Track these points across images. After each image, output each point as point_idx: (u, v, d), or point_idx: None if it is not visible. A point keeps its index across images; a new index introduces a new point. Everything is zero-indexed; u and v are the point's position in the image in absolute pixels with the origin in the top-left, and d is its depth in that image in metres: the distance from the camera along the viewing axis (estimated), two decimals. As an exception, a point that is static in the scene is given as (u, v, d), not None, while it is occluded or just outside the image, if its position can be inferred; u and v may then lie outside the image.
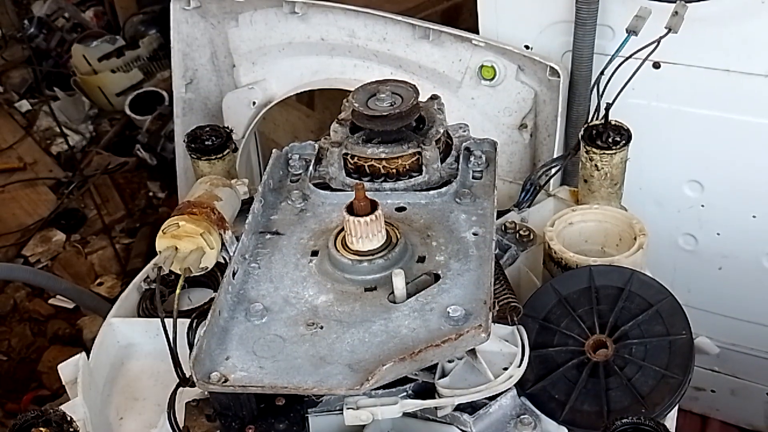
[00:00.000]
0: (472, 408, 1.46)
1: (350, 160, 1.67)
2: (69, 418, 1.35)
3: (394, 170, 1.66)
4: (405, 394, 1.45)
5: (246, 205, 1.75)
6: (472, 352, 1.44)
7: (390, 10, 2.49)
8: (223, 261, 1.65)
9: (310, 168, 1.75)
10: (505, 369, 1.45)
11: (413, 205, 1.64)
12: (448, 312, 1.37)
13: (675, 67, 2.21)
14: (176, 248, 1.57)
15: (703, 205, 2.44)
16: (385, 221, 1.48)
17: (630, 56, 2.02)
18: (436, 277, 1.46)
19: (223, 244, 1.63)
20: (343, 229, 1.49)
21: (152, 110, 4.42)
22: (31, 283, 3.65)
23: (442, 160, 1.69)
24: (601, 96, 2.05)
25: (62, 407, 1.45)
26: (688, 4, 2.01)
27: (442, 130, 1.70)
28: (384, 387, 1.37)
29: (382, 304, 1.42)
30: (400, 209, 1.63)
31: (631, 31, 2.05)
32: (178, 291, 1.48)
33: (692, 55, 2.18)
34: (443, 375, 1.45)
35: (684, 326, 1.56)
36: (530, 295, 1.66)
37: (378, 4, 2.54)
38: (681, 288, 2.03)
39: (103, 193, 4.29)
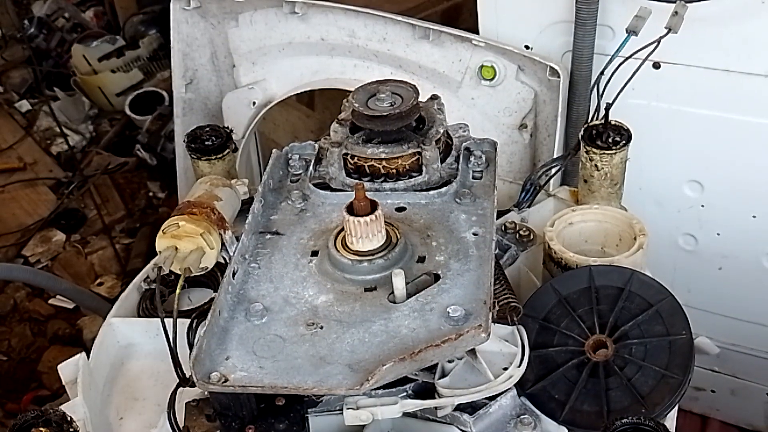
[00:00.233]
0: (472, 408, 1.46)
1: (350, 160, 1.67)
2: (69, 418, 1.35)
3: (394, 170, 1.66)
4: (405, 394, 1.45)
5: (246, 205, 1.75)
6: (472, 352, 1.44)
7: (390, 10, 2.49)
8: (223, 261, 1.65)
9: (310, 168, 1.75)
10: (505, 369, 1.45)
11: (413, 205, 1.64)
12: (448, 312, 1.37)
13: (675, 67, 2.21)
14: (176, 248, 1.57)
15: (703, 205, 2.44)
16: (385, 221, 1.48)
17: (630, 56, 2.02)
18: (436, 277, 1.46)
19: (223, 244, 1.63)
20: (343, 229, 1.49)
21: (152, 110, 4.42)
22: (31, 283, 3.65)
23: (442, 160, 1.69)
24: (601, 96, 2.05)
25: (62, 407, 1.45)
26: (688, 4, 2.01)
27: (442, 130, 1.70)
28: (384, 387, 1.37)
29: (382, 304, 1.42)
30: (400, 209, 1.63)
31: (631, 31, 2.05)
32: (178, 291, 1.48)
33: (692, 55, 2.18)
34: (443, 375, 1.45)
35: (684, 326, 1.56)
36: (530, 295, 1.66)
37: (378, 4, 2.54)
38: (681, 288, 2.03)
39: (103, 193, 4.29)
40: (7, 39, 5.38)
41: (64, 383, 1.67)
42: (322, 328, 1.40)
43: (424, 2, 3.14)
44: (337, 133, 1.71)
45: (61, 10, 5.24)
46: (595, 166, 1.85)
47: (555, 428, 1.51)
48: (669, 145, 2.36)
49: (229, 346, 1.38)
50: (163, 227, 1.59)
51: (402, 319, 1.39)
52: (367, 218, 1.43)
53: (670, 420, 1.53)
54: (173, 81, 2.84)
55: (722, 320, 2.60)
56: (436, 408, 1.44)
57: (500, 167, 1.93)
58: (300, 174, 1.75)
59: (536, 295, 1.65)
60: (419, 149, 1.64)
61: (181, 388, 1.47)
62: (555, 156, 2.24)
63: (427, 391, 1.45)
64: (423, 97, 1.71)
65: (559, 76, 2.22)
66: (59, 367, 1.69)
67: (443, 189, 1.65)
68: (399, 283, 1.41)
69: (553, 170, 2.01)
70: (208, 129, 2.01)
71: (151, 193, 4.33)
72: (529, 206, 1.98)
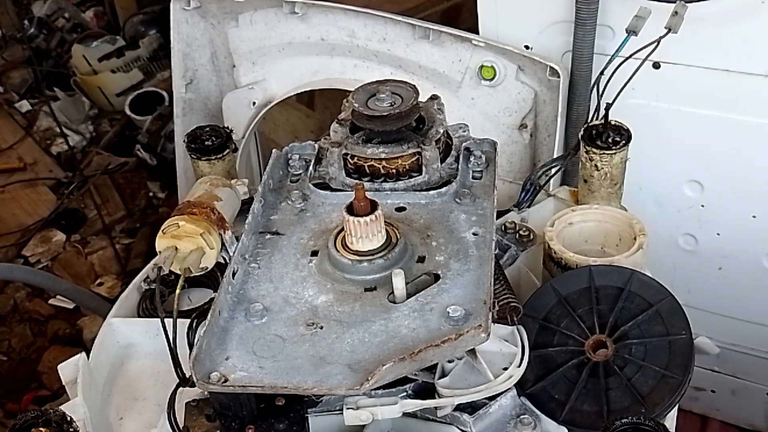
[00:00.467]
0: (472, 408, 1.46)
1: (350, 160, 1.67)
2: (69, 418, 1.35)
3: (394, 170, 1.66)
4: (405, 394, 1.45)
5: (246, 205, 1.75)
6: (472, 352, 1.44)
7: (390, 10, 2.49)
8: (223, 261, 1.65)
9: (310, 168, 1.75)
10: (505, 369, 1.45)
11: (413, 205, 1.64)
12: (448, 312, 1.37)
13: (675, 67, 2.21)
14: (176, 248, 1.57)
15: (703, 205, 2.44)
16: (385, 221, 1.48)
17: (630, 56, 2.02)
18: (436, 277, 1.46)
19: (223, 244, 1.63)
20: (343, 229, 1.49)
21: (152, 110, 4.42)
22: (31, 283, 3.65)
23: (442, 160, 1.69)
24: (601, 96, 2.05)
25: (62, 407, 1.45)
26: (688, 4, 2.01)
27: (442, 130, 1.70)
28: (384, 387, 1.37)
29: (382, 304, 1.42)
30: (400, 209, 1.63)
31: (631, 31, 2.05)
32: (178, 291, 1.48)
33: (692, 55, 2.18)
34: (443, 375, 1.45)
35: (684, 326, 1.55)
36: (530, 295, 1.66)
37: (378, 4, 2.54)
38: (681, 288, 2.03)
39: (103, 194, 4.29)
40: (7, 39, 5.38)
41: (64, 383, 1.67)
42: (322, 328, 1.40)
43: (424, 2, 3.14)
44: (337, 133, 1.71)
45: (61, 10, 5.24)
46: (595, 166, 1.85)
47: (555, 428, 1.51)
48: (669, 145, 2.36)
49: (229, 346, 1.38)
50: (163, 227, 1.59)
51: (402, 319, 1.39)
52: (367, 218, 1.43)
53: (670, 420, 1.53)
54: (173, 81, 2.84)
55: (722, 320, 2.60)
56: (436, 408, 1.44)
57: (500, 167, 1.93)
58: (300, 174, 1.75)
59: (536, 295, 1.65)
60: (419, 149, 1.64)
61: (181, 388, 1.47)
62: (555, 156, 2.24)
63: (427, 391, 1.45)
64: (423, 97, 1.71)
65: (559, 76, 2.22)
66: (59, 367, 1.69)
67: (443, 189, 1.65)
68: (399, 283, 1.41)
69: (553, 170, 2.01)
70: (208, 129, 2.01)
71: (151, 193, 4.33)
72: (529, 206, 1.98)
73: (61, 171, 4.47)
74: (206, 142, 1.98)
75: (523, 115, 2.36)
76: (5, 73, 5.15)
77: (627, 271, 1.63)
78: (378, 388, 1.36)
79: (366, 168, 1.67)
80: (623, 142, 1.82)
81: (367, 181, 1.67)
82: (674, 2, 2.02)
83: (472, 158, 1.73)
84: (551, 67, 2.23)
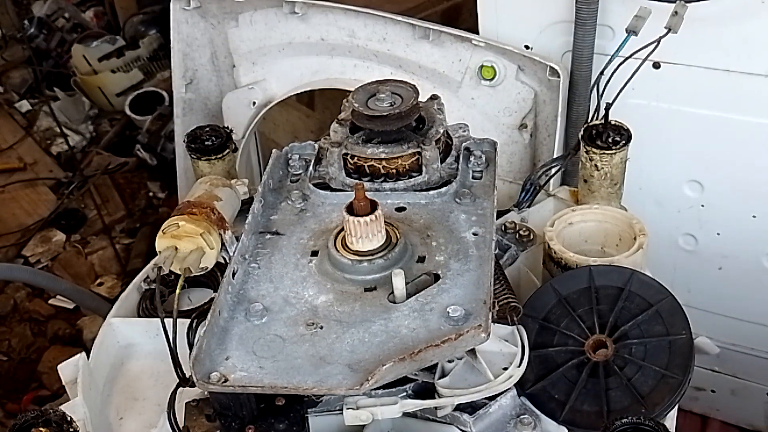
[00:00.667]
0: (472, 408, 1.46)
1: (350, 160, 1.67)
2: (69, 418, 1.35)
3: (394, 170, 1.66)
4: (405, 394, 1.45)
5: (246, 205, 1.75)
6: (472, 352, 1.44)
7: (390, 10, 2.49)
8: (223, 261, 1.65)
9: (310, 168, 1.75)
10: (505, 369, 1.45)
11: (413, 205, 1.64)
12: (448, 312, 1.37)
13: (675, 67, 2.21)
14: (176, 248, 1.57)
15: (703, 205, 2.44)
16: (385, 221, 1.48)
17: (630, 56, 2.02)
18: (436, 277, 1.46)
19: (223, 244, 1.63)
20: (343, 229, 1.49)
21: (152, 110, 4.42)
22: (31, 283, 3.65)
23: (442, 160, 1.69)
24: (601, 96, 2.05)
25: (62, 407, 1.45)
26: (688, 4, 2.01)
27: (442, 130, 1.70)
28: (384, 387, 1.37)
29: (382, 304, 1.42)
30: (400, 209, 1.63)
31: (631, 31, 2.05)
32: (178, 291, 1.48)
33: (692, 55, 2.18)
34: (443, 375, 1.45)
35: (684, 326, 1.55)
36: (530, 295, 1.66)
37: (378, 4, 2.54)
38: (681, 288, 2.03)
39: (103, 193, 4.29)
40: (7, 39, 5.38)
41: (64, 383, 1.67)
42: (322, 328, 1.40)
43: (424, 2, 3.14)
44: (337, 133, 1.71)
45: (61, 10, 5.24)
46: (595, 166, 1.85)
47: (555, 428, 1.51)
48: (669, 145, 2.36)
49: (229, 346, 1.38)
50: (163, 227, 1.59)
51: (402, 319, 1.39)
52: (367, 218, 1.43)
53: (670, 420, 1.53)
54: (173, 81, 2.84)
55: (722, 320, 2.60)
56: (436, 408, 1.44)
57: (500, 167, 1.93)
58: (300, 174, 1.75)
59: (536, 295, 1.65)
60: (419, 149, 1.64)
61: (181, 388, 1.47)
62: (555, 156, 2.24)
63: (427, 391, 1.45)
64: (423, 97, 1.71)
65: (559, 76, 2.22)
66: (59, 367, 1.69)
67: (443, 189, 1.65)
68: (399, 283, 1.41)
69: (553, 170, 2.01)
70: (208, 129, 2.01)
71: (151, 193, 4.33)
72: (529, 206, 1.98)
73: (61, 171, 4.47)
74: (206, 142, 1.98)
75: (523, 115, 2.36)
76: (5, 73, 5.15)
77: (627, 271, 1.63)
78: (378, 388, 1.36)
79: (366, 168, 1.67)
80: (623, 142, 1.82)
81: (367, 181, 1.67)
82: (674, 2, 2.02)
83: (472, 158, 1.73)
84: (551, 67, 2.23)
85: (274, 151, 1.79)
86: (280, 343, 1.38)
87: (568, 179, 2.26)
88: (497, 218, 1.67)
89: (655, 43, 1.98)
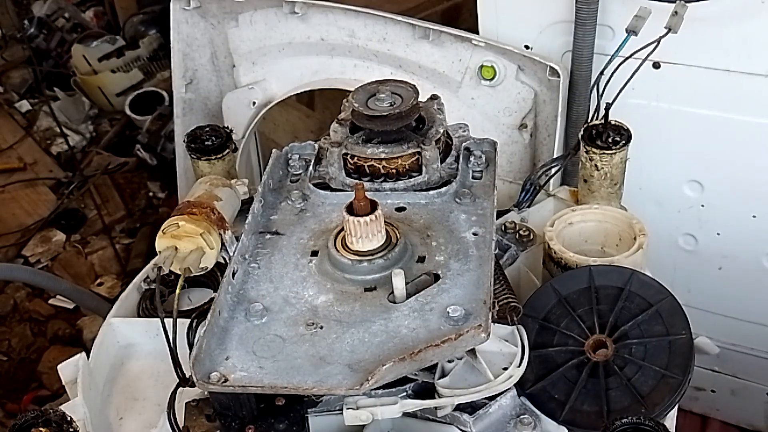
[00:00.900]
0: (472, 408, 1.46)
1: (350, 160, 1.67)
2: (69, 418, 1.35)
3: (394, 170, 1.66)
4: (405, 394, 1.44)
5: (246, 205, 1.75)
6: (472, 352, 1.44)
7: (390, 10, 2.49)
8: (223, 261, 1.65)
9: (310, 168, 1.75)
10: (505, 369, 1.45)
11: (413, 205, 1.64)
12: (448, 312, 1.37)
13: (675, 67, 2.21)
14: (176, 248, 1.57)
15: (703, 205, 2.44)
16: (385, 221, 1.48)
17: (630, 56, 2.02)
18: (436, 277, 1.46)
19: (223, 244, 1.63)
20: (343, 229, 1.49)
21: (152, 110, 4.42)
22: (31, 283, 3.65)
23: (442, 160, 1.69)
24: (601, 96, 2.05)
25: (62, 407, 1.45)
26: (688, 4, 2.01)
27: (442, 130, 1.70)
28: (384, 387, 1.37)
29: (382, 304, 1.42)
30: (400, 209, 1.63)
31: (631, 31, 2.05)
32: (178, 291, 1.48)
33: (692, 55, 2.18)
34: (443, 375, 1.45)
35: (684, 326, 1.55)
36: (530, 295, 1.66)
37: (378, 4, 2.54)
38: (681, 288, 2.03)
39: (103, 193, 4.29)
40: (7, 39, 5.38)
41: (64, 383, 1.67)
42: (322, 328, 1.40)
43: (424, 2, 3.14)
44: (337, 133, 1.71)
45: (61, 10, 5.24)
46: (595, 166, 1.85)
47: (555, 428, 1.51)
48: (669, 145, 2.36)
49: (229, 346, 1.38)
50: (163, 227, 1.59)
51: (402, 319, 1.39)
52: (367, 218, 1.43)
53: (670, 420, 1.53)
54: (173, 81, 2.84)
55: (722, 320, 2.60)
56: (436, 408, 1.44)
57: (500, 167, 1.93)
58: (300, 174, 1.75)
59: (536, 295, 1.65)
60: (419, 149, 1.64)
61: (181, 388, 1.47)
62: (555, 156, 2.24)
63: (427, 391, 1.45)
64: (423, 97, 1.71)
65: (559, 76, 2.22)
66: (59, 367, 1.69)
67: (443, 189, 1.65)
68: (399, 283, 1.41)
69: (553, 170, 2.01)
70: (208, 129, 2.01)
71: (151, 193, 4.33)
72: (529, 206, 1.98)
73: (61, 171, 4.47)
74: (206, 142, 1.98)
75: (523, 115, 2.36)
76: (5, 73, 5.15)
77: (627, 271, 1.63)
78: (378, 388, 1.36)
79: (366, 168, 1.67)
80: (623, 142, 1.82)
81: (367, 181, 1.67)
82: (674, 2, 2.02)
83: (472, 158, 1.73)
84: (551, 67, 2.23)
85: (274, 151, 1.79)
86: (280, 343, 1.38)
87: (568, 179, 2.26)
88: (497, 218, 1.67)
89: (655, 43, 1.98)
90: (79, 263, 3.93)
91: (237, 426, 1.40)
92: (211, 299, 1.46)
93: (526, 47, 2.34)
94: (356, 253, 1.47)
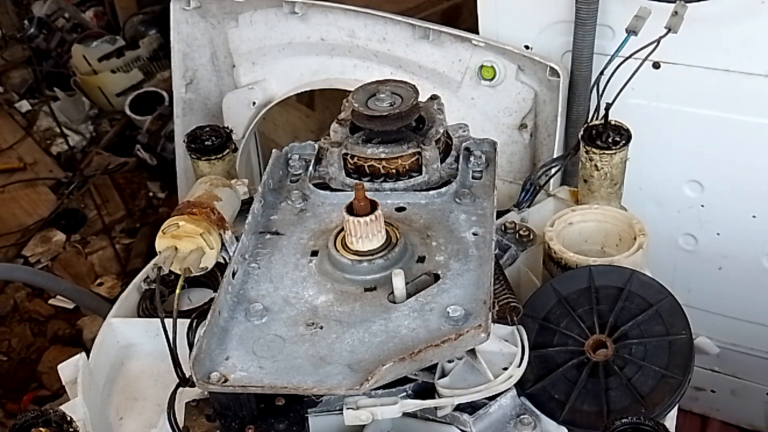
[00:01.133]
0: (472, 408, 1.46)
1: (350, 160, 1.67)
2: (69, 418, 1.35)
3: (394, 170, 1.66)
4: (405, 394, 1.45)
5: (246, 205, 1.75)
6: (472, 352, 1.44)
7: (390, 10, 2.49)
8: (223, 261, 1.65)
9: (310, 168, 1.75)
10: (505, 369, 1.45)
11: (413, 205, 1.64)
12: (448, 312, 1.37)
13: (675, 67, 2.21)
14: (176, 248, 1.57)
15: (703, 205, 2.44)
16: (385, 221, 1.48)
17: (630, 56, 2.02)
18: (436, 277, 1.46)
19: (223, 244, 1.63)
20: (342, 229, 1.49)
21: (152, 110, 4.42)
22: (31, 284, 3.65)
23: (442, 160, 1.69)
24: (601, 96, 2.05)
25: (62, 407, 1.45)
26: (688, 4, 2.01)
27: (442, 130, 1.70)
28: (384, 387, 1.37)
29: (382, 304, 1.42)
30: (400, 209, 1.63)
31: (631, 31, 2.05)
32: (178, 291, 1.48)
33: (692, 55, 2.18)
34: (443, 375, 1.45)
35: (684, 326, 1.55)
36: (530, 295, 1.66)
37: (378, 4, 2.54)
38: (681, 288, 2.03)
39: (103, 194, 4.29)
40: (7, 39, 5.39)
41: (64, 383, 1.67)
42: (322, 328, 1.40)
43: (424, 2, 3.14)
44: (337, 133, 1.71)
45: (61, 10, 5.24)
46: (595, 166, 1.85)
47: (555, 428, 1.51)
48: (669, 145, 2.36)
49: (229, 346, 1.38)
50: (163, 227, 1.59)
51: (402, 319, 1.39)
52: (367, 218, 1.43)
53: (670, 420, 1.53)
54: (173, 81, 2.84)
55: (722, 320, 2.60)
56: (436, 408, 1.44)
57: (500, 167, 1.93)
58: (300, 174, 1.75)
59: (536, 295, 1.65)
60: (419, 149, 1.64)
61: (181, 388, 1.47)
62: (555, 156, 2.24)
63: (427, 391, 1.45)
64: (423, 97, 1.71)
65: (559, 76, 2.22)
66: (59, 367, 1.69)
67: (443, 189, 1.65)
68: (399, 283, 1.41)
69: (553, 170, 2.01)
70: (208, 129, 2.01)
71: (151, 193, 4.33)
72: (529, 206, 1.98)
73: (61, 171, 4.47)
74: (206, 142, 1.98)
75: (523, 115, 2.36)
76: (5, 73, 5.15)
77: (627, 271, 1.63)
78: (378, 388, 1.36)
79: (366, 168, 1.67)
80: (623, 142, 1.82)
81: (367, 181, 1.67)
82: (674, 2, 2.02)
83: (472, 158, 1.73)
84: (551, 67, 2.23)
85: (274, 151, 1.79)
86: (280, 343, 1.38)
87: (568, 179, 2.26)
88: (497, 218, 1.67)
89: (655, 43, 1.98)
90: (79, 263, 3.93)
91: (237, 426, 1.40)
92: (211, 299, 1.46)
93: (526, 47, 2.34)
94: (356, 253, 1.47)
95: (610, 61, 2.07)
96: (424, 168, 1.66)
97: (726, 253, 2.50)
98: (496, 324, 1.47)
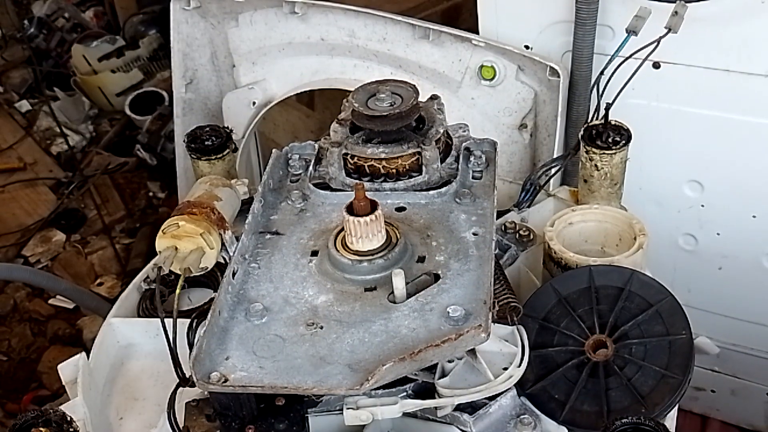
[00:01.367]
0: (472, 408, 1.46)
1: (350, 160, 1.67)
2: (69, 418, 1.35)
3: (394, 170, 1.66)
4: (405, 394, 1.44)
5: (246, 205, 1.75)
6: (472, 352, 1.44)
7: (390, 10, 2.49)
8: (223, 261, 1.65)
9: (310, 168, 1.75)
10: (505, 369, 1.45)
11: (413, 205, 1.64)
12: (448, 312, 1.37)
13: (675, 67, 2.21)
14: (176, 248, 1.57)
15: (703, 205, 2.44)
16: (385, 221, 1.48)
17: (630, 56, 2.02)
18: (436, 277, 1.46)
19: (223, 244, 1.63)
20: (343, 229, 1.49)
21: (152, 110, 4.42)
22: (31, 283, 3.65)
23: (442, 160, 1.69)
24: (601, 96, 2.05)
25: (62, 407, 1.45)
26: (688, 4, 2.01)
27: (442, 130, 1.70)
28: (384, 387, 1.37)
29: (382, 304, 1.42)
30: (400, 209, 1.63)
31: (631, 31, 2.05)
32: (178, 291, 1.48)
33: (692, 55, 2.18)
34: (443, 375, 1.45)
35: (684, 326, 1.56)
36: (530, 295, 1.66)
37: (378, 4, 2.54)
38: (681, 288, 2.03)
39: (103, 193, 4.29)
40: (7, 39, 5.39)
41: (64, 383, 1.67)
42: (322, 328, 1.40)
43: (424, 2, 3.14)
44: (337, 133, 1.71)
45: (61, 10, 5.24)
46: (595, 166, 1.85)
47: (555, 428, 1.51)
48: (669, 145, 2.36)
49: (229, 346, 1.38)
50: (163, 227, 1.59)
51: (402, 319, 1.39)
52: (367, 218, 1.43)
53: (670, 420, 1.53)
54: (173, 81, 2.84)
55: (722, 320, 2.60)
56: (436, 408, 1.44)
57: (500, 167, 1.93)
58: (300, 174, 1.75)
59: (536, 295, 1.65)
60: (419, 149, 1.64)
61: (181, 388, 1.47)
62: (555, 156, 2.24)
63: (427, 391, 1.45)
64: (423, 97, 1.71)
65: (559, 76, 2.22)
66: (59, 367, 1.69)
67: (443, 189, 1.65)
68: (399, 283, 1.41)
69: (553, 170, 2.01)
70: (208, 129, 2.01)
71: (151, 193, 4.33)
72: (529, 206, 1.98)
73: (61, 171, 4.47)
74: (206, 142, 1.98)
75: (523, 115, 2.36)
76: (5, 73, 5.15)
77: (627, 271, 1.63)
78: (378, 388, 1.36)
79: (366, 168, 1.67)
80: (623, 142, 1.82)
81: (367, 181, 1.67)
82: (674, 2, 2.02)
83: (472, 158, 1.73)
84: (551, 67, 2.23)
85: (274, 151, 1.79)
86: (280, 343, 1.38)
87: (568, 179, 2.26)
88: (497, 218, 1.67)
89: (655, 43, 1.98)
90: (79, 263, 3.93)
91: (237, 426, 1.40)
92: (211, 299, 1.46)
93: (526, 47, 2.34)
94: (356, 253, 1.47)
95: (610, 61, 2.07)
96: (424, 168, 1.66)
97: (726, 253, 2.50)
98: (496, 324, 1.47)
